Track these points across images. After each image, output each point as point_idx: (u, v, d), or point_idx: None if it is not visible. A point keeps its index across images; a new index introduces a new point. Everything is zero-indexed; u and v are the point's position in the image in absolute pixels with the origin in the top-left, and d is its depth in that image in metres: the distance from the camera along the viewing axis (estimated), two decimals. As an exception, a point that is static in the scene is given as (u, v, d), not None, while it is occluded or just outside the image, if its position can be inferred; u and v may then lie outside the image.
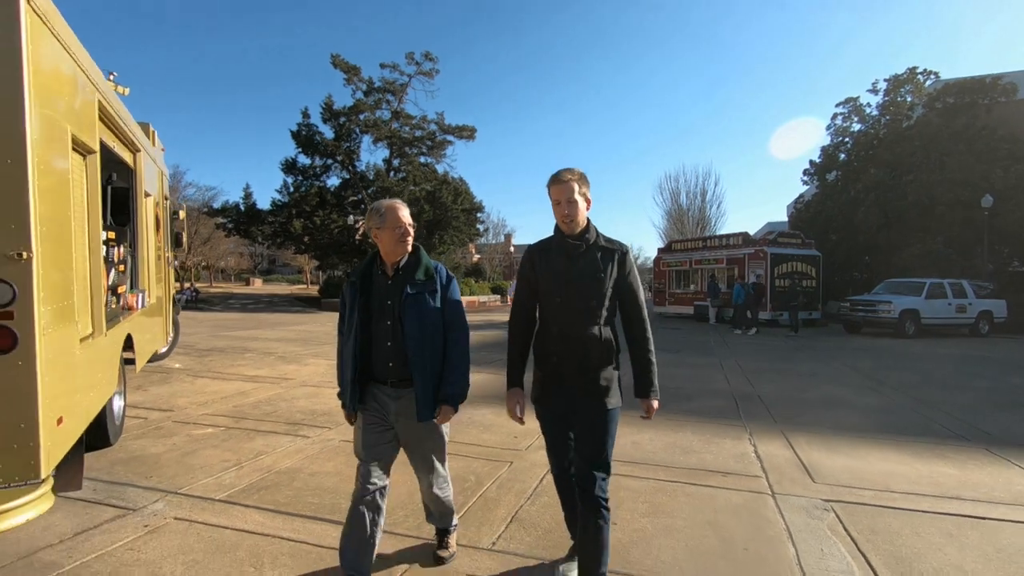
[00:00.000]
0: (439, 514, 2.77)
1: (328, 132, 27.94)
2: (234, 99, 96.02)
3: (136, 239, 5.76)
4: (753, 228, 48.05)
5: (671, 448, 4.81)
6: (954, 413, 6.34)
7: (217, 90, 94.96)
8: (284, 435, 4.99)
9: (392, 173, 28.88)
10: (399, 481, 3.18)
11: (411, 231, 2.47)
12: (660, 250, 25.72)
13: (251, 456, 4.40)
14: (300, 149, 27.91)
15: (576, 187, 2.34)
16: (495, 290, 35.61)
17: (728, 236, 22.09)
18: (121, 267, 5.24)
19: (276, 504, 3.47)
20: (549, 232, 2.53)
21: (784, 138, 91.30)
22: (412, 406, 2.41)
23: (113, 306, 4.79)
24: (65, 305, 2.98)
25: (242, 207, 27.81)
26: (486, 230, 42.16)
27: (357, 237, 26.99)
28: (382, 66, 28.81)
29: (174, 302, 9.25)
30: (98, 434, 4.27)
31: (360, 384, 2.46)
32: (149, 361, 7.39)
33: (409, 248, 2.49)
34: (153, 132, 6.90)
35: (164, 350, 8.49)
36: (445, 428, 2.59)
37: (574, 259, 2.38)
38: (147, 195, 6.15)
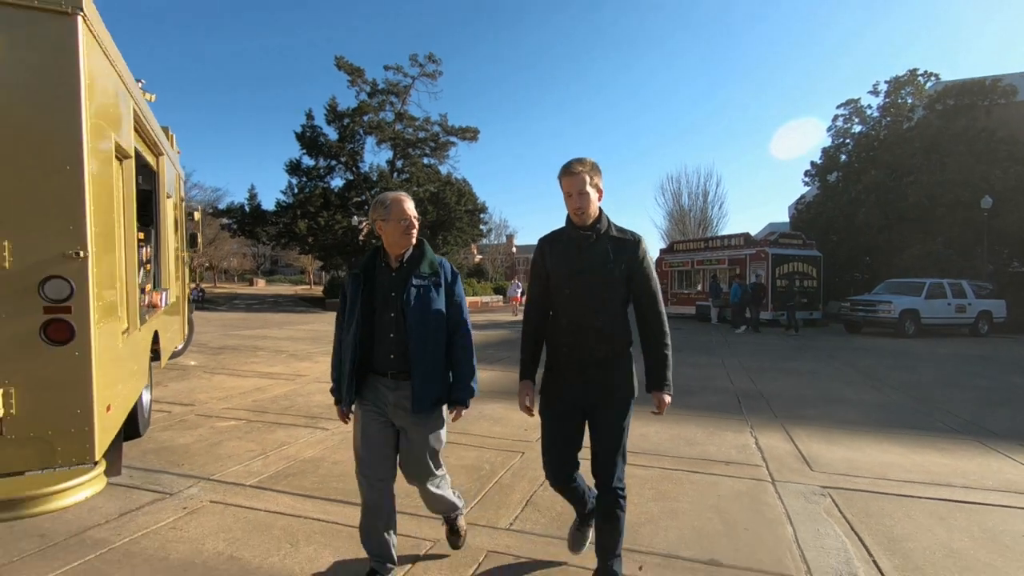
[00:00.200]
0: (444, 510, 2.71)
1: (332, 133, 28.25)
2: (234, 99, 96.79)
3: (159, 239, 5.98)
4: (755, 229, 48.20)
5: (676, 440, 5.01)
6: (951, 409, 6.53)
7: (217, 90, 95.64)
8: (303, 428, 5.20)
9: (396, 174, 29.11)
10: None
11: (416, 223, 2.45)
12: (663, 251, 25.92)
13: (275, 446, 4.61)
14: (304, 150, 28.18)
15: (588, 178, 2.30)
16: (497, 290, 35.86)
17: (730, 237, 22.28)
18: (147, 266, 5.46)
19: (304, 489, 3.68)
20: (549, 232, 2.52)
21: (785, 138, 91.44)
22: (408, 400, 2.40)
23: (142, 304, 5.00)
24: (111, 301, 3.19)
25: (247, 208, 28.09)
26: (489, 231, 42.38)
27: (361, 238, 27.27)
28: (386, 68, 29.15)
29: (189, 301, 9.47)
30: (130, 425, 4.47)
31: (358, 376, 2.45)
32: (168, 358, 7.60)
33: (414, 241, 2.48)
34: (172, 136, 7.13)
35: (180, 347, 8.70)
36: (443, 430, 2.56)
37: (584, 250, 2.35)
38: (168, 197, 6.37)
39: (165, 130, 6.53)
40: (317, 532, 3.07)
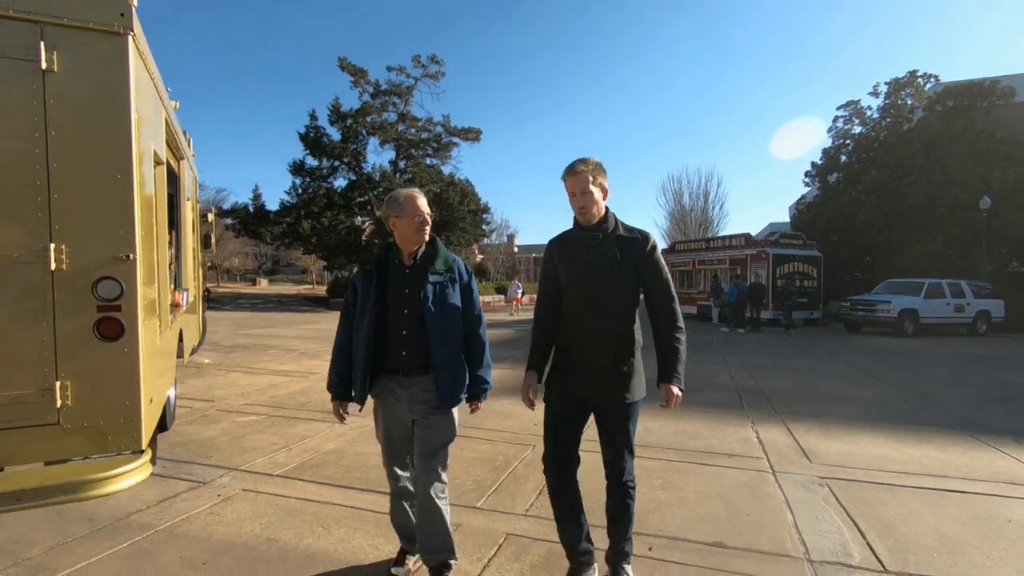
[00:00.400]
0: (438, 535, 2.50)
1: (335, 134, 28.48)
2: (234, 99, 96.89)
3: (180, 241, 6.19)
4: (755, 229, 48.47)
5: (680, 434, 5.21)
6: (947, 406, 6.73)
7: (217, 90, 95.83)
8: (322, 422, 5.41)
9: (399, 175, 29.33)
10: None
11: (429, 220, 2.47)
12: (664, 251, 26.11)
13: (297, 440, 4.82)
14: (308, 151, 28.41)
15: (590, 178, 2.30)
16: (499, 290, 36.09)
17: (731, 237, 22.47)
18: (171, 267, 5.66)
19: (329, 479, 3.89)
20: (550, 233, 2.70)
21: (785, 138, 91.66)
22: (423, 393, 2.43)
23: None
24: (152, 301, 3.40)
25: (251, 208, 28.33)
26: (492, 231, 42.57)
27: (363, 238, 27.50)
28: (388, 69, 29.38)
29: (203, 300, 9.68)
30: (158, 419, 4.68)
31: (371, 372, 2.45)
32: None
33: (427, 237, 2.49)
34: (190, 139, 7.33)
35: (196, 345, 8.91)
36: (455, 424, 2.56)
37: (591, 250, 2.35)
38: (188, 199, 6.58)
39: (184, 134, 6.74)
40: (346, 517, 3.27)
